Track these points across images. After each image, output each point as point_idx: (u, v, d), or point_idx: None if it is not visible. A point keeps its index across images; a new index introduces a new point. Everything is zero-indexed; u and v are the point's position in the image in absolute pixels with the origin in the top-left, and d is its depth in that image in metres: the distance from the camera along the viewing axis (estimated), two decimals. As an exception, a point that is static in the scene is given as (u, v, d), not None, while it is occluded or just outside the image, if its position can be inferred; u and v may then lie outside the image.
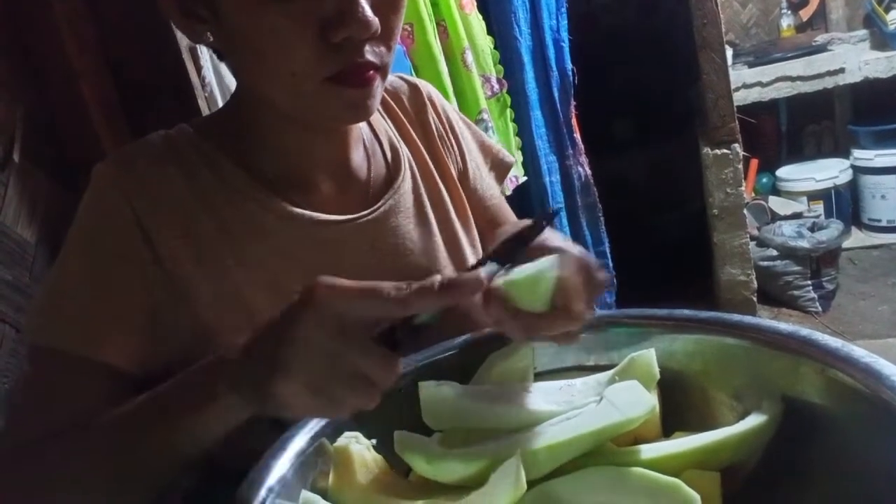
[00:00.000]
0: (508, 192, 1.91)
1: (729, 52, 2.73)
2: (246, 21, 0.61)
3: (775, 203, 3.04)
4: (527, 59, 2.02)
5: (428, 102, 0.90)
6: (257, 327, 0.51)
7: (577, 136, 2.12)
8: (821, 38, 3.07)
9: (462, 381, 0.61)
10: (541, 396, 0.59)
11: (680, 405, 0.60)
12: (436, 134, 0.89)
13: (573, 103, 2.09)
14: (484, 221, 0.93)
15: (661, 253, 2.94)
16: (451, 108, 0.95)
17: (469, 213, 0.90)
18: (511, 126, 2.00)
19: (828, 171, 2.99)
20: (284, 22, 0.59)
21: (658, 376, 0.58)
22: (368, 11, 0.59)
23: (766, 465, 0.54)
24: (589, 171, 2.14)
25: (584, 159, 2.13)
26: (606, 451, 0.53)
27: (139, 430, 0.58)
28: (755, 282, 2.50)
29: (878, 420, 0.45)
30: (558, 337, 0.58)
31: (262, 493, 0.49)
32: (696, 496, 0.46)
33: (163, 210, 0.69)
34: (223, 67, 1.35)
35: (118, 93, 1.31)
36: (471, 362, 0.65)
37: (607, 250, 2.20)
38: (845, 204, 3.01)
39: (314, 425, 0.57)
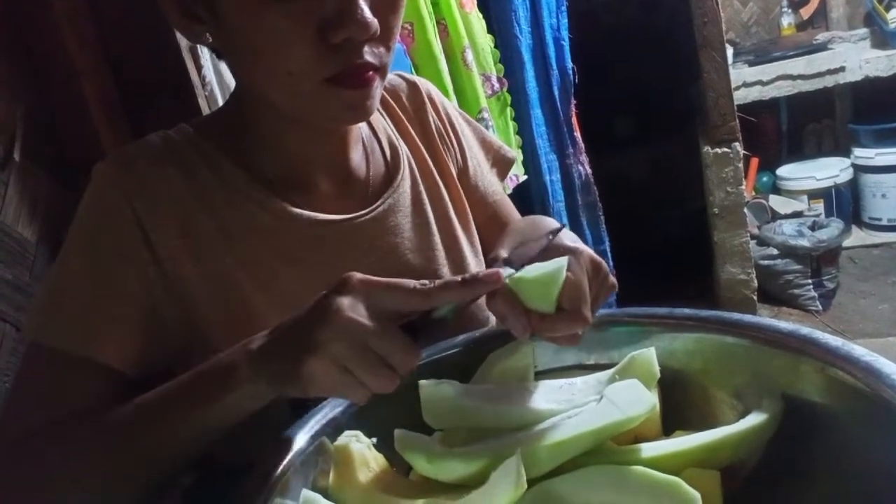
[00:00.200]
0: (509, 191, 1.91)
1: (729, 51, 2.73)
2: (245, 21, 0.61)
3: (776, 202, 3.04)
4: (527, 57, 2.02)
5: (427, 100, 0.90)
6: (281, 321, 0.55)
7: (578, 134, 2.12)
8: (821, 37, 3.07)
9: (462, 380, 0.61)
10: (541, 395, 0.59)
11: (680, 404, 0.60)
12: (435, 132, 0.89)
13: (573, 102, 2.09)
14: (485, 218, 0.93)
15: (661, 251, 2.94)
16: (451, 105, 0.95)
17: (468, 211, 0.90)
18: (511, 125, 2.00)
19: (828, 170, 2.99)
20: (284, 22, 0.59)
21: (658, 375, 0.58)
22: (367, 13, 0.59)
23: (766, 463, 0.54)
24: (589, 170, 2.14)
25: (584, 158, 2.13)
26: (607, 450, 0.53)
27: (157, 418, 0.59)
28: (755, 280, 2.50)
29: (879, 419, 0.45)
30: (561, 338, 0.59)
31: (263, 491, 0.49)
32: (697, 495, 0.46)
33: (162, 210, 0.69)
34: (223, 66, 1.35)
35: (119, 91, 1.31)
36: (471, 361, 0.65)
37: (608, 249, 2.20)
38: (846, 203, 3.01)
39: (314, 424, 0.57)
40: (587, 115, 2.18)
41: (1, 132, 1.11)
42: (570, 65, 2.05)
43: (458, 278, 0.52)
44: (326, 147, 0.77)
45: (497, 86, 1.94)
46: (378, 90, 0.67)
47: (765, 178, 3.22)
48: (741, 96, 2.79)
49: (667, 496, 0.47)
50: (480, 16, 1.89)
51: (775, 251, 2.64)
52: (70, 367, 0.64)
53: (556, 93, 2.06)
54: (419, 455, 0.54)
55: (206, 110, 1.30)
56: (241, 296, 0.70)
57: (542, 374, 0.65)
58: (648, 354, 0.59)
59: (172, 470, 0.61)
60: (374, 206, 0.79)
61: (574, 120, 2.10)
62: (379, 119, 0.87)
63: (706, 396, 0.60)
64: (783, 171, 3.15)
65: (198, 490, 0.68)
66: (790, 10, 3.27)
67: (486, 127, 1.85)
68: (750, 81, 2.88)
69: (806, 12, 3.27)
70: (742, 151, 2.37)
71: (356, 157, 0.81)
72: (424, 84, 0.92)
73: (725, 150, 2.36)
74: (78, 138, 1.24)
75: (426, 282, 0.51)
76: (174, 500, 0.68)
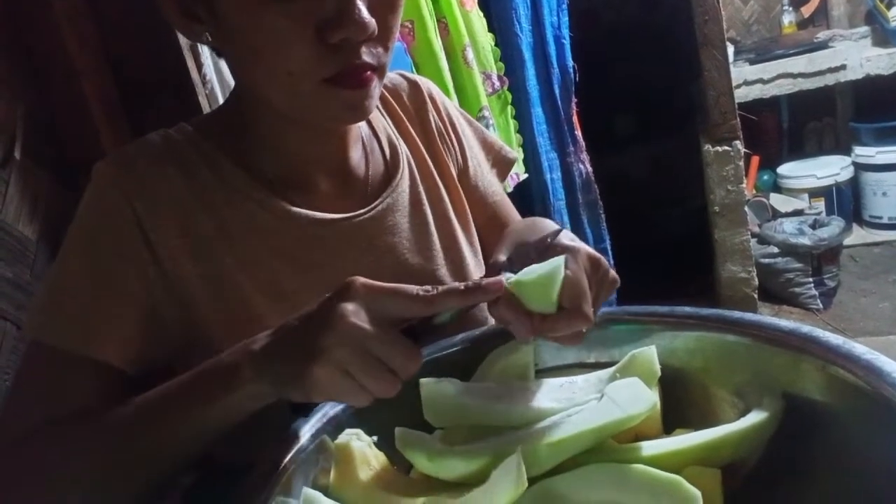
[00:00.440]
0: (510, 190, 1.91)
1: (730, 49, 2.73)
2: (244, 21, 0.61)
3: (776, 200, 3.04)
4: (528, 55, 2.01)
5: (428, 100, 0.90)
6: (286, 320, 0.55)
7: (578, 133, 2.12)
8: (822, 35, 3.06)
9: (463, 379, 0.61)
10: (542, 393, 0.59)
11: (681, 402, 0.60)
12: (435, 131, 0.89)
13: (574, 100, 2.08)
14: (485, 219, 0.93)
15: (662, 250, 2.94)
16: (452, 105, 0.95)
17: (468, 211, 0.90)
18: (512, 123, 2.00)
19: (829, 169, 2.99)
20: (282, 22, 0.59)
21: (659, 373, 0.58)
22: (365, 13, 0.59)
23: (767, 462, 0.54)
24: (590, 168, 2.14)
25: (585, 156, 2.13)
26: (607, 448, 0.53)
27: (158, 417, 0.59)
28: (756, 279, 2.50)
29: (879, 417, 0.46)
30: (563, 337, 0.58)
31: (264, 490, 0.50)
32: (697, 493, 0.46)
33: (162, 210, 0.69)
34: (224, 65, 1.35)
35: (119, 91, 1.31)
36: (472, 359, 0.65)
37: (608, 247, 2.20)
38: (846, 201, 3.00)
39: (315, 422, 0.57)
40: (588, 113, 2.18)
41: (1, 131, 1.11)
42: (570, 63, 2.05)
43: (461, 285, 0.52)
44: (326, 146, 0.77)
45: (498, 84, 1.94)
46: (377, 90, 0.67)
47: (765, 177, 3.22)
48: (742, 94, 2.78)
49: (667, 494, 0.47)
50: (481, 14, 1.89)
51: (776, 249, 2.64)
52: (70, 365, 0.65)
53: (557, 91, 2.06)
54: (420, 453, 0.54)
55: (206, 109, 1.29)
56: (241, 295, 0.70)
57: (542, 373, 0.65)
58: (649, 353, 0.59)
59: (172, 469, 0.61)
60: (373, 205, 0.79)
61: (575, 118, 2.10)
62: (379, 118, 0.86)
63: (707, 395, 0.60)
64: (784, 169, 3.15)
65: (198, 490, 0.68)
66: (791, 9, 3.27)
67: (487, 125, 1.85)
68: (751, 79, 2.88)
69: (807, 10, 3.26)
70: (743, 150, 2.36)
71: (355, 156, 0.81)
72: (426, 83, 0.92)
73: (726, 148, 2.35)
74: (78, 137, 1.24)
75: (429, 288, 0.52)
76: (174, 500, 0.69)
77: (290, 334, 0.54)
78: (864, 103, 3.17)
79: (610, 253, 2.20)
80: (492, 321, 0.77)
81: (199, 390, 0.57)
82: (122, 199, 0.68)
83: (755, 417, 0.53)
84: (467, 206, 0.90)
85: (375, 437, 0.58)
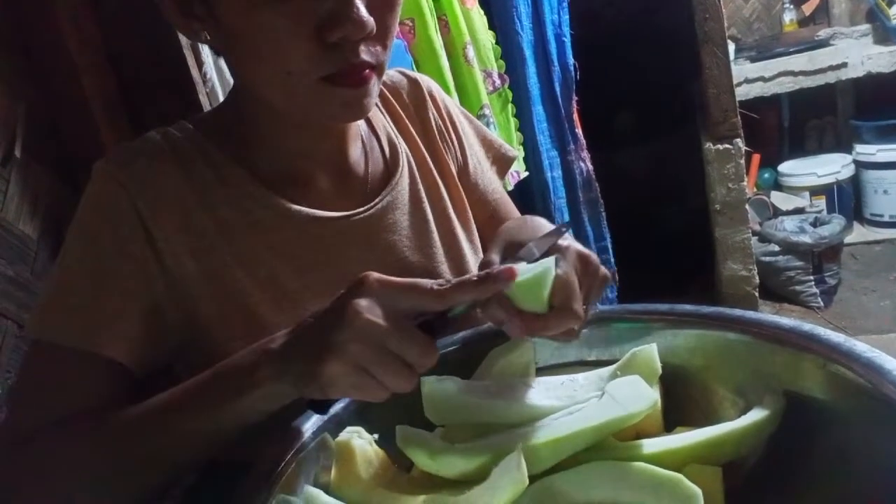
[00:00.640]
0: (510, 188, 1.91)
1: (731, 47, 2.72)
2: (242, 20, 0.61)
3: (777, 198, 3.04)
4: (528, 53, 2.01)
5: (428, 97, 0.90)
6: (300, 321, 0.55)
7: (579, 131, 2.11)
8: (823, 33, 3.06)
9: (464, 377, 0.61)
10: (542, 391, 0.59)
11: (682, 400, 0.60)
12: (435, 129, 0.89)
13: (575, 98, 2.08)
14: (485, 216, 0.93)
15: (662, 248, 2.93)
16: (452, 102, 0.95)
17: (467, 208, 0.90)
18: (512, 121, 2.00)
19: (830, 167, 2.99)
20: (280, 21, 0.59)
21: (660, 371, 0.58)
22: (363, 11, 0.59)
23: (767, 459, 0.54)
24: (590, 167, 2.14)
25: (585, 154, 2.13)
26: (608, 446, 0.53)
27: (174, 417, 0.59)
28: (757, 277, 2.49)
29: (880, 414, 0.46)
30: (558, 335, 0.59)
31: (265, 488, 0.50)
32: (698, 491, 0.46)
33: (163, 207, 0.69)
34: (224, 63, 1.35)
35: (119, 89, 1.31)
36: (473, 357, 0.65)
37: (609, 245, 2.20)
38: (847, 199, 3.00)
39: (316, 420, 0.57)
40: (588, 111, 2.17)
41: (2, 129, 1.11)
42: (571, 61, 2.05)
43: (473, 277, 0.52)
44: (325, 144, 0.77)
45: (498, 82, 1.94)
46: (375, 88, 0.67)
47: (766, 175, 3.21)
48: (743, 92, 2.78)
49: (668, 492, 0.47)
50: (482, 12, 1.89)
51: (777, 248, 2.64)
52: (77, 363, 0.65)
53: (558, 89, 2.05)
54: (421, 451, 0.54)
55: (207, 107, 1.29)
56: (241, 293, 0.70)
57: (543, 371, 0.65)
58: (650, 351, 0.59)
59: (184, 471, 0.61)
60: (373, 203, 0.79)
61: (575, 116, 2.10)
62: (378, 116, 0.86)
63: (708, 393, 0.60)
64: (785, 167, 3.15)
65: (199, 487, 0.68)
66: (792, 7, 3.26)
67: (488, 123, 1.85)
68: (752, 77, 2.88)
69: (808, 8, 3.26)
70: (744, 148, 2.36)
71: (355, 154, 0.81)
72: (426, 81, 0.92)
73: (727, 146, 2.35)
74: (79, 135, 1.24)
75: (442, 282, 0.52)
76: (175, 497, 0.69)
77: (306, 332, 0.54)
78: (865, 101, 3.17)
79: (611, 251, 2.20)
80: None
81: (217, 390, 0.57)
82: (124, 196, 0.68)
83: (756, 415, 0.53)
84: (467, 204, 0.90)
85: (376, 435, 0.58)
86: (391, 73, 0.91)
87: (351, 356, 0.49)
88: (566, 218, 2.11)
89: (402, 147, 0.85)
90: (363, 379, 0.50)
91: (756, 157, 3.10)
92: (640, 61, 3.53)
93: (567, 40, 2.04)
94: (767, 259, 2.65)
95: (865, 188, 3.02)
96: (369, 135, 0.84)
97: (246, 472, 0.51)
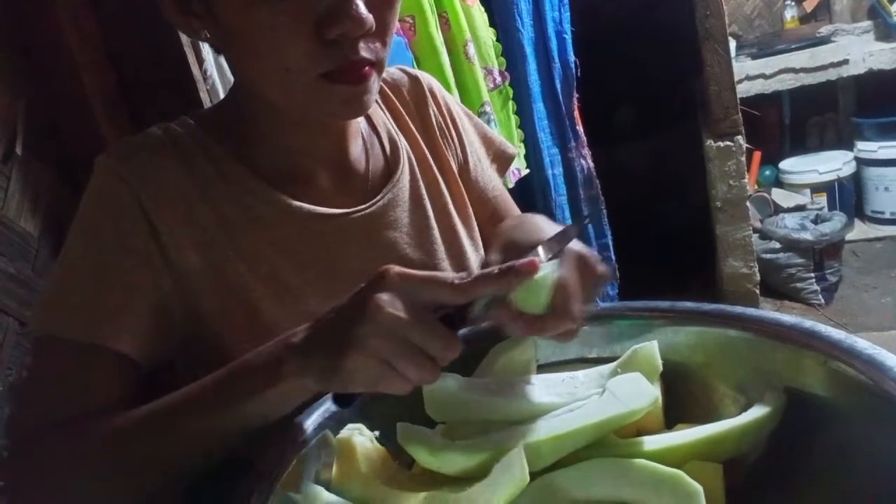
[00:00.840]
0: (511, 185, 1.91)
1: (732, 44, 2.72)
2: (240, 18, 0.61)
3: (778, 195, 3.03)
4: (529, 51, 2.01)
5: (429, 94, 0.90)
6: (321, 315, 0.54)
7: (580, 128, 2.11)
8: (824, 30, 3.06)
9: (465, 374, 0.61)
10: (543, 388, 0.59)
11: (682, 397, 0.60)
12: (435, 126, 0.89)
13: (576, 95, 2.08)
14: (486, 214, 0.92)
15: (663, 245, 2.93)
16: (452, 99, 0.95)
17: (468, 205, 0.90)
18: (513, 118, 2.00)
19: (831, 164, 2.98)
20: (278, 18, 0.59)
21: (661, 368, 0.58)
22: (362, 8, 0.59)
23: (768, 456, 0.54)
24: (591, 164, 2.14)
25: (586, 151, 2.13)
26: (609, 443, 0.53)
27: (192, 415, 0.58)
28: (758, 274, 2.49)
29: (881, 411, 0.46)
30: (557, 335, 0.58)
31: (266, 484, 0.50)
32: (699, 488, 0.46)
33: (166, 201, 0.69)
34: (224, 60, 1.35)
35: (120, 87, 1.31)
36: (473, 354, 0.65)
37: (610, 243, 2.20)
38: (848, 196, 3.00)
39: (317, 417, 0.57)
40: (589, 108, 2.17)
41: (3, 127, 1.11)
42: (572, 58, 2.05)
43: (495, 270, 0.51)
44: (325, 142, 0.77)
45: (499, 79, 1.93)
46: (375, 85, 0.67)
47: (767, 172, 3.21)
48: (744, 89, 2.78)
49: (669, 489, 0.47)
50: (482, 9, 1.88)
51: (778, 245, 2.64)
52: (80, 356, 0.64)
53: (559, 86, 2.05)
54: (422, 448, 0.54)
55: (207, 105, 1.29)
56: (243, 288, 0.70)
57: (544, 368, 0.65)
58: (651, 348, 0.59)
59: (200, 469, 0.60)
60: (374, 200, 0.79)
61: (576, 113, 2.09)
62: (378, 113, 0.86)
63: (708, 390, 0.60)
64: (786, 164, 3.15)
65: (200, 487, 0.68)
66: (793, 3, 3.26)
67: (488, 121, 1.85)
68: (753, 74, 2.87)
69: (809, 5, 3.25)
70: (745, 145, 2.36)
71: (355, 151, 0.80)
72: (426, 78, 0.92)
73: (728, 143, 2.35)
74: (79, 133, 1.24)
75: (464, 275, 0.51)
76: (176, 494, 0.69)
77: (327, 327, 0.53)
78: (867, 98, 3.17)
79: (611, 248, 2.20)
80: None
81: (236, 387, 0.56)
82: (127, 190, 0.68)
83: (757, 412, 0.53)
84: (468, 201, 0.90)
85: (377, 432, 0.58)
86: (392, 71, 0.91)
87: (373, 350, 0.49)
88: (567, 215, 2.11)
89: (403, 144, 0.85)
90: (386, 372, 0.49)
91: (757, 155, 3.09)
92: (640, 58, 3.53)
93: (568, 37, 2.04)
94: (768, 256, 2.64)
95: (867, 185, 3.02)
96: (370, 132, 0.84)
97: (246, 471, 0.51)
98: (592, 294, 0.61)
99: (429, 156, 0.87)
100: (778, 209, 2.92)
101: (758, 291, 2.51)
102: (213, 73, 1.32)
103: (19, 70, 1.18)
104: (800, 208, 2.89)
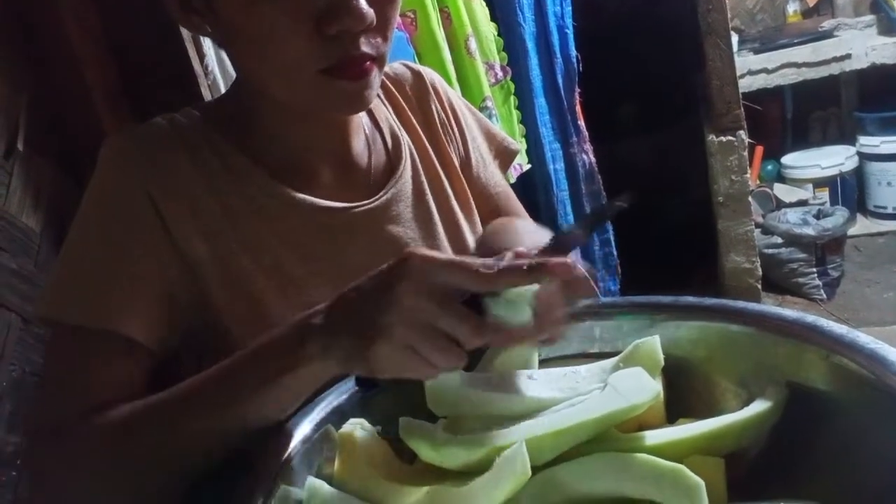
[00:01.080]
0: (512, 181, 1.91)
1: (734, 39, 2.71)
2: (240, 14, 0.61)
3: (780, 190, 3.03)
4: (531, 45, 2.00)
5: (431, 90, 0.90)
6: (340, 294, 0.53)
7: (581, 123, 2.11)
8: (827, 24, 3.04)
9: (466, 369, 0.61)
10: (545, 383, 0.59)
11: (684, 392, 0.60)
12: (437, 122, 0.89)
13: (577, 90, 2.08)
14: (488, 210, 0.92)
15: (665, 240, 2.93)
16: (455, 95, 0.95)
17: (470, 200, 0.90)
18: (515, 114, 1.99)
19: (833, 158, 2.97)
20: (279, 15, 0.59)
21: (662, 363, 0.58)
22: (363, 3, 0.59)
23: (770, 451, 0.54)
24: (593, 159, 2.14)
25: (588, 147, 2.13)
26: (610, 438, 0.53)
27: (213, 400, 0.57)
28: (760, 269, 2.49)
29: (883, 406, 0.46)
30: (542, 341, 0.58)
31: (268, 479, 0.50)
32: (701, 482, 0.46)
33: (173, 191, 0.69)
34: (226, 55, 1.35)
35: (122, 81, 1.31)
36: (475, 350, 0.65)
37: (612, 238, 2.20)
38: (851, 191, 2.99)
39: (319, 412, 0.57)
40: (591, 103, 2.17)
41: (5, 122, 1.11)
42: (573, 53, 2.04)
43: (524, 263, 0.48)
44: (327, 137, 0.77)
45: (500, 74, 1.93)
46: (376, 80, 0.67)
47: (769, 167, 3.20)
48: (746, 84, 2.77)
49: (670, 483, 0.47)
50: (483, 3, 1.88)
51: (780, 240, 2.64)
52: (100, 343, 0.64)
53: (560, 81, 2.05)
54: (423, 442, 0.54)
55: (209, 99, 1.29)
56: (247, 279, 0.71)
57: (545, 363, 0.65)
58: (652, 342, 0.59)
59: (221, 457, 0.59)
60: (377, 196, 0.79)
61: (578, 108, 2.09)
62: (381, 108, 0.86)
63: (710, 384, 0.60)
64: (788, 159, 3.14)
65: (200, 486, 0.68)
66: (796, -3, 3.25)
67: (490, 116, 1.85)
68: (755, 69, 2.86)
69: (811, -1, 3.24)
70: (747, 140, 2.35)
71: (357, 146, 0.81)
72: (429, 73, 0.92)
73: (730, 138, 2.34)
74: (81, 128, 1.24)
75: (490, 262, 0.48)
76: (177, 494, 0.68)
77: (349, 308, 0.52)
78: (869, 93, 3.15)
79: (613, 243, 2.20)
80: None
81: (259, 370, 0.55)
82: (137, 176, 0.68)
83: (758, 407, 0.53)
84: (470, 196, 0.90)
85: (379, 427, 0.58)
86: (394, 66, 0.90)
87: (400, 339, 0.48)
88: (568, 210, 2.11)
89: (405, 139, 0.85)
90: (412, 359, 0.49)
91: (759, 149, 3.09)
92: (642, 53, 3.52)
93: (569, 32, 2.03)
94: (770, 251, 2.64)
95: (869, 180, 3.01)
96: (372, 127, 0.84)
97: (246, 471, 0.51)
98: (576, 298, 0.60)
99: (431, 151, 0.87)
100: (780, 204, 2.92)
101: (760, 286, 2.51)
102: (215, 68, 1.32)
103: (21, 64, 1.18)
104: (802, 203, 2.88)
